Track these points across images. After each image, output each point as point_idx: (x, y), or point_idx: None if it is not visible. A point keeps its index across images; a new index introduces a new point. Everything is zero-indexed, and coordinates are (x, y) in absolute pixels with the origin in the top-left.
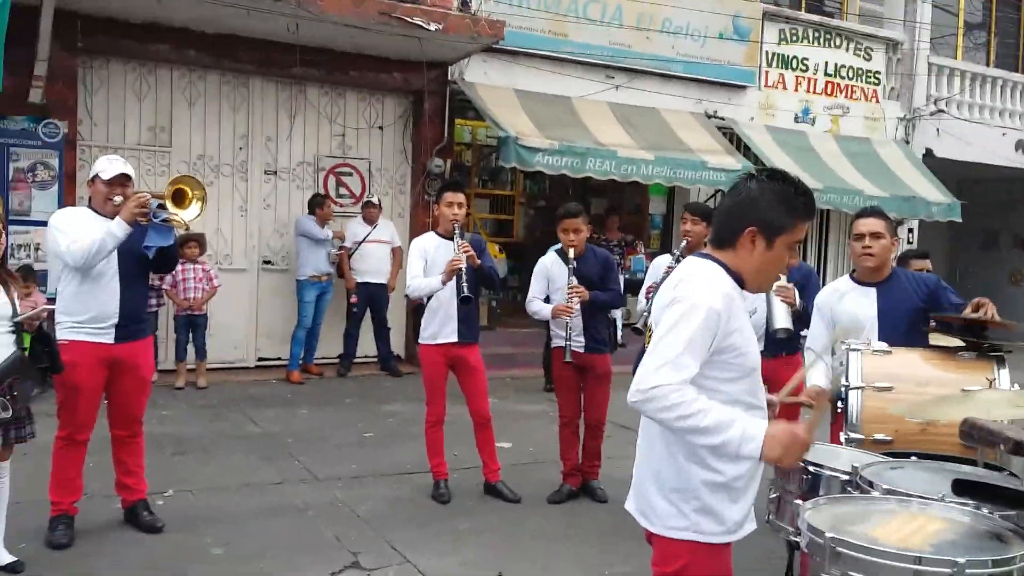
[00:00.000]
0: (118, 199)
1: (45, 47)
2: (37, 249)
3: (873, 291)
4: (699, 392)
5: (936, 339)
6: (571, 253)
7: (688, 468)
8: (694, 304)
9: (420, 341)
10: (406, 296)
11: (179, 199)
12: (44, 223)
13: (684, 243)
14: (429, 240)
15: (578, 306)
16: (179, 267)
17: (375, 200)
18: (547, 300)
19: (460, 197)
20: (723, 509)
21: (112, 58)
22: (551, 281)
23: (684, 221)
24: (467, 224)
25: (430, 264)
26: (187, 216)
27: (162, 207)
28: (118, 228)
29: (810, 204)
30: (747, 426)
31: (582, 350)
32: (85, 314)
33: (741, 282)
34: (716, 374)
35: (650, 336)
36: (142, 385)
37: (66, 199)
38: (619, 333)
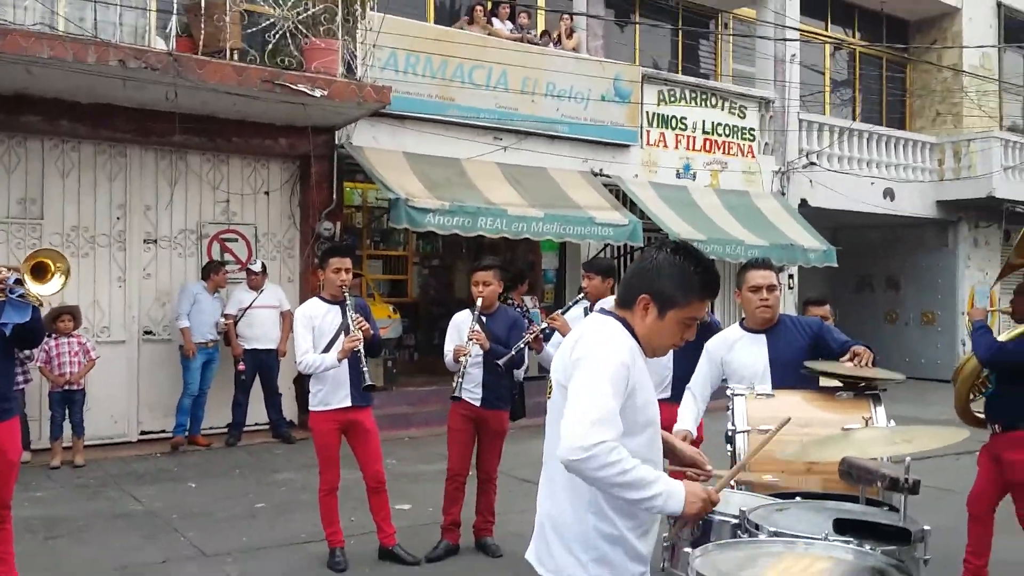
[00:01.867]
0: None
1: None
2: None
3: (763, 338)
4: None
5: (826, 381)
6: (478, 302)
7: (586, 518)
8: (606, 359)
9: (311, 408)
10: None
11: (41, 273)
12: None
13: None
14: (315, 307)
15: (479, 356)
16: (53, 342)
17: (257, 268)
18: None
19: (347, 262)
20: (620, 561)
21: None
22: (461, 334)
23: (583, 277)
24: (357, 286)
25: (318, 333)
26: (49, 290)
27: (19, 282)
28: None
29: (709, 284)
30: (668, 483)
31: (478, 404)
32: None
33: (640, 344)
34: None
35: (550, 391)
36: (9, 469)
37: None
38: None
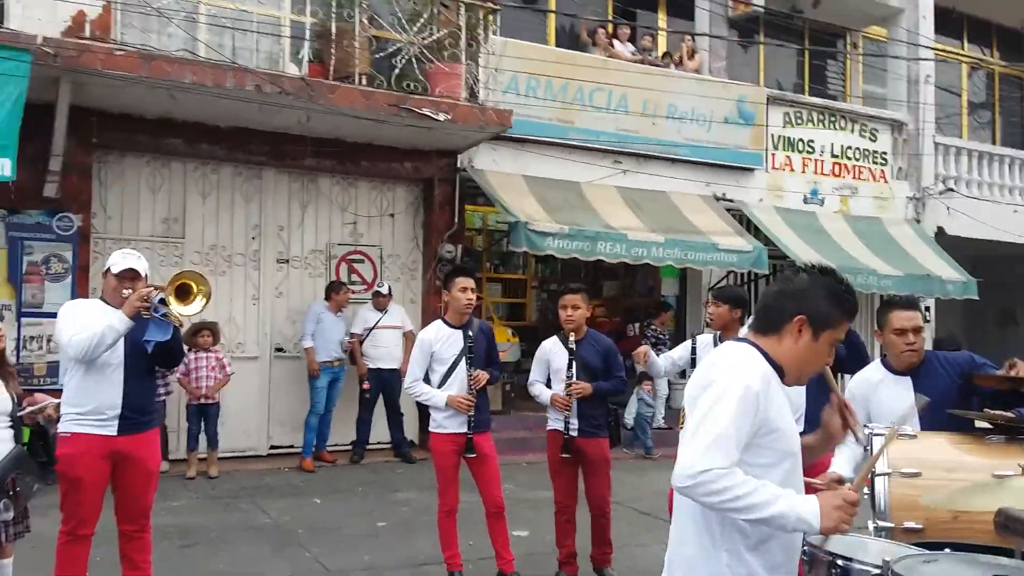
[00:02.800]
0: (126, 292)
1: (60, 142)
2: (49, 341)
3: (908, 380)
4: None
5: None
6: (571, 338)
7: (718, 555)
8: (731, 384)
9: (430, 429)
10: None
11: (184, 294)
12: (56, 315)
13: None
14: (437, 331)
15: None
16: (192, 356)
17: (384, 290)
18: (549, 383)
19: (471, 282)
20: None
21: (127, 152)
22: (551, 364)
23: (707, 304)
24: (477, 309)
25: (436, 358)
26: (189, 311)
27: (163, 302)
28: (119, 322)
29: (855, 304)
30: (795, 498)
31: (575, 434)
32: (88, 405)
33: (780, 372)
34: (753, 459)
35: (683, 421)
36: (148, 478)
37: (79, 291)
38: (622, 422)
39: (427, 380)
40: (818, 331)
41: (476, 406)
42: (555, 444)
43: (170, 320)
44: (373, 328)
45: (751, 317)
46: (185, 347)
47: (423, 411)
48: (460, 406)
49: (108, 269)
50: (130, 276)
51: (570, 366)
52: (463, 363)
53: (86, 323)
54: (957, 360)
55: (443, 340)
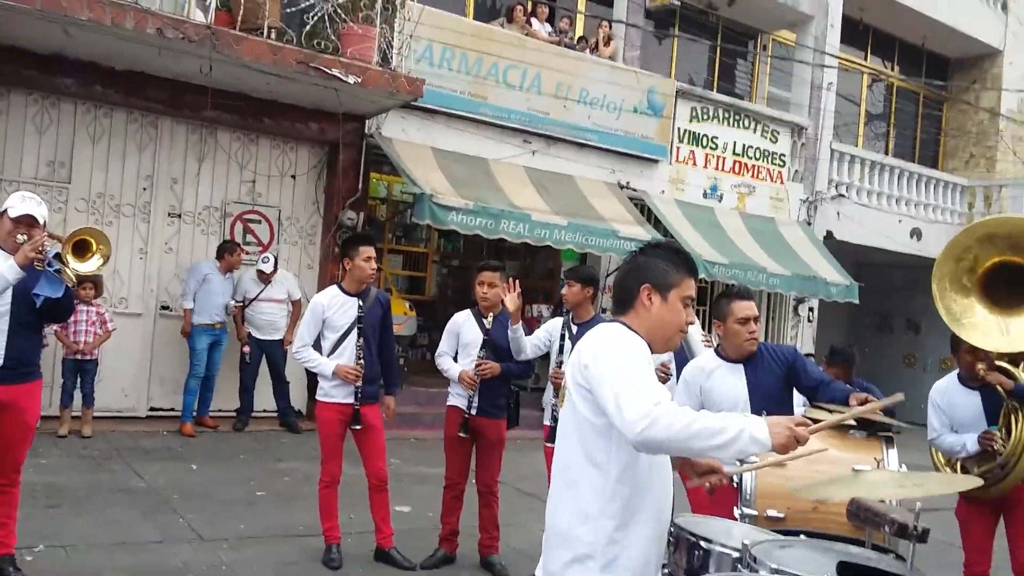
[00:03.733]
0: (21, 238)
1: None
2: None
3: (741, 368)
4: None
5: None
6: (488, 317)
7: (599, 524)
8: (626, 346)
9: (317, 398)
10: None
11: (81, 250)
12: None
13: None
14: (332, 297)
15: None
16: None
17: (267, 268)
18: (456, 357)
19: (373, 251)
20: (624, 569)
21: (12, 88)
22: (460, 337)
23: (563, 285)
24: (376, 280)
25: (328, 325)
26: (85, 268)
27: (58, 256)
28: (9, 270)
29: (691, 263)
30: (742, 420)
31: (475, 412)
32: None
33: (647, 342)
34: None
35: (562, 397)
36: (24, 431)
37: None
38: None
39: (317, 347)
40: (664, 292)
41: (366, 377)
42: (453, 421)
43: (62, 277)
44: (254, 300)
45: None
46: None
47: (311, 381)
48: (348, 376)
49: (4, 211)
50: (27, 222)
51: (483, 346)
52: (354, 332)
53: None
54: (783, 352)
55: (337, 307)
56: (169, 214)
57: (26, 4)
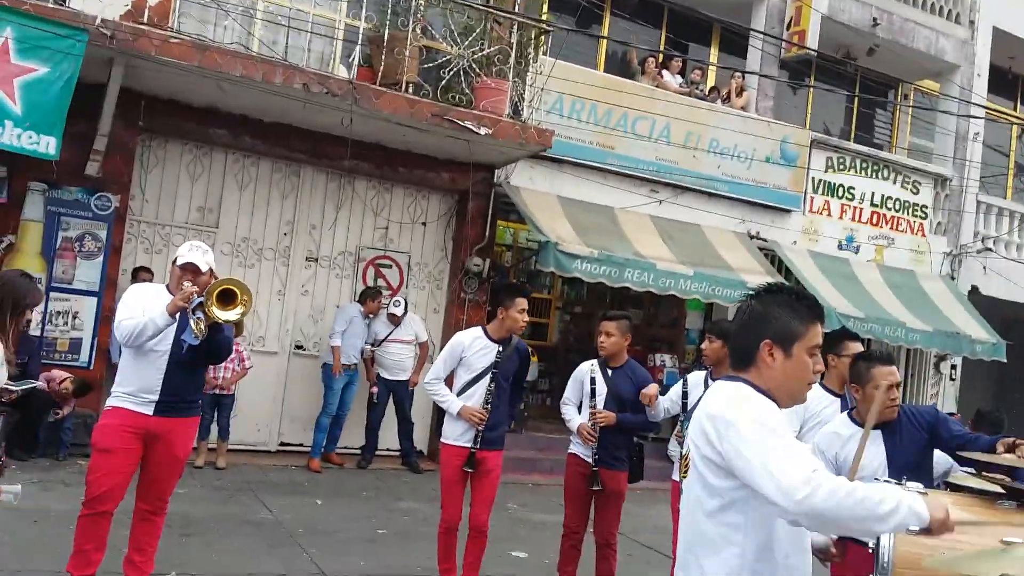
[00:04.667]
0: (187, 284)
1: (107, 123)
2: (75, 317)
3: (879, 435)
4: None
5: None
6: (591, 367)
7: None
8: (760, 410)
9: (442, 440)
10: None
11: (226, 299)
12: (84, 292)
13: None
14: (474, 339)
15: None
16: None
17: (398, 311)
18: (580, 408)
19: (526, 304)
20: None
21: (170, 138)
22: (583, 386)
23: (703, 339)
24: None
25: (465, 365)
26: (225, 316)
27: (200, 306)
28: (160, 317)
29: (815, 307)
30: (899, 491)
31: (591, 462)
32: (131, 386)
33: (772, 400)
34: None
35: (685, 468)
36: (173, 463)
37: (109, 271)
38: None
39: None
40: (788, 347)
41: (491, 424)
42: (574, 469)
43: (193, 329)
44: (384, 340)
45: (730, 356)
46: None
47: (437, 422)
48: (472, 419)
49: (176, 258)
50: (191, 270)
51: (592, 395)
52: (488, 377)
53: (137, 309)
54: (924, 414)
55: (478, 349)
56: (307, 258)
57: (187, 60)
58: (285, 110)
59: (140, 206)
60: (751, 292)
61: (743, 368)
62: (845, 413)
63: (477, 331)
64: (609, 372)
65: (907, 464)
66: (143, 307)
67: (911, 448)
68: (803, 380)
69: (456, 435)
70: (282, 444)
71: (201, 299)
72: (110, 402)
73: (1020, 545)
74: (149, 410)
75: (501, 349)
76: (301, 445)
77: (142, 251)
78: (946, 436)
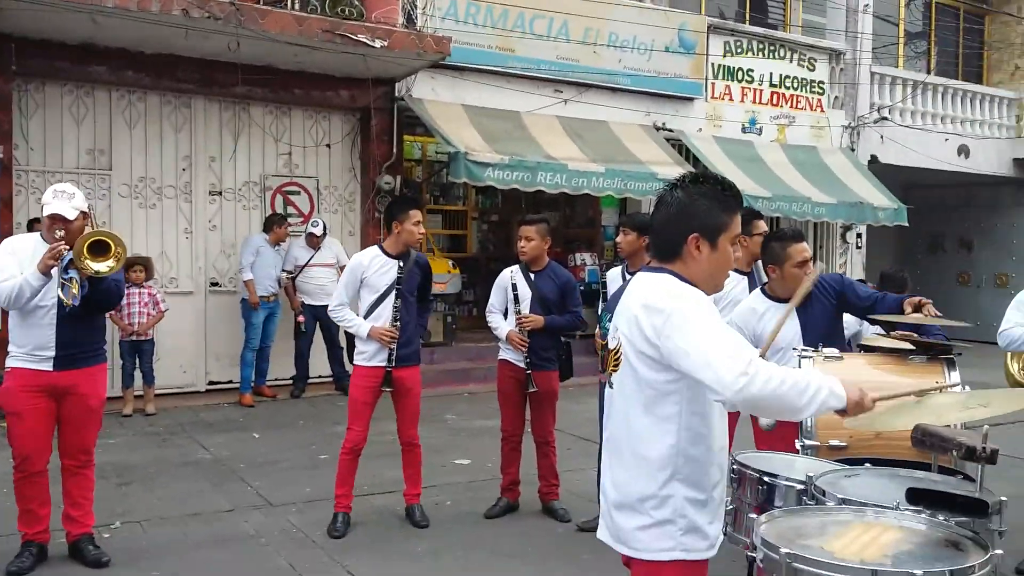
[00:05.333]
0: (59, 233)
1: None
2: None
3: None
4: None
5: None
6: (510, 273)
7: (674, 489)
8: (696, 303)
9: (355, 363)
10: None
11: (100, 251)
12: None
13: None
14: (372, 258)
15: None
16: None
17: (317, 231)
18: (507, 313)
19: (421, 215)
20: (705, 525)
21: (48, 81)
22: (508, 291)
23: (618, 233)
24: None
25: (367, 285)
26: (98, 267)
27: (71, 264)
28: (33, 277)
29: (738, 196)
30: (819, 377)
31: (524, 366)
32: (26, 345)
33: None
34: None
35: (609, 355)
36: (87, 413)
37: (2, 226)
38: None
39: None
40: (714, 240)
41: (403, 341)
42: (505, 374)
43: (70, 288)
44: (304, 266)
45: (651, 247)
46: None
47: (351, 344)
48: (383, 338)
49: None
50: (59, 219)
51: (516, 301)
52: (393, 294)
53: (12, 267)
54: (831, 282)
55: (377, 268)
56: (210, 192)
57: None
58: (167, 39)
59: (26, 155)
60: (672, 183)
61: (667, 260)
62: (758, 289)
63: (374, 250)
64: (531, 276)
65: (820, 333)
66: (19, 263)
67: (822, 317)
68: (725, 269)
69: (368, 356)
70: (210, 383)
71: (70, 255)
72: (9, 363)
73: (932, 394)
74: (48, 366)
75: (401, 264)
76: (230, 382)
77: (35, 202)
78: (854, 300)
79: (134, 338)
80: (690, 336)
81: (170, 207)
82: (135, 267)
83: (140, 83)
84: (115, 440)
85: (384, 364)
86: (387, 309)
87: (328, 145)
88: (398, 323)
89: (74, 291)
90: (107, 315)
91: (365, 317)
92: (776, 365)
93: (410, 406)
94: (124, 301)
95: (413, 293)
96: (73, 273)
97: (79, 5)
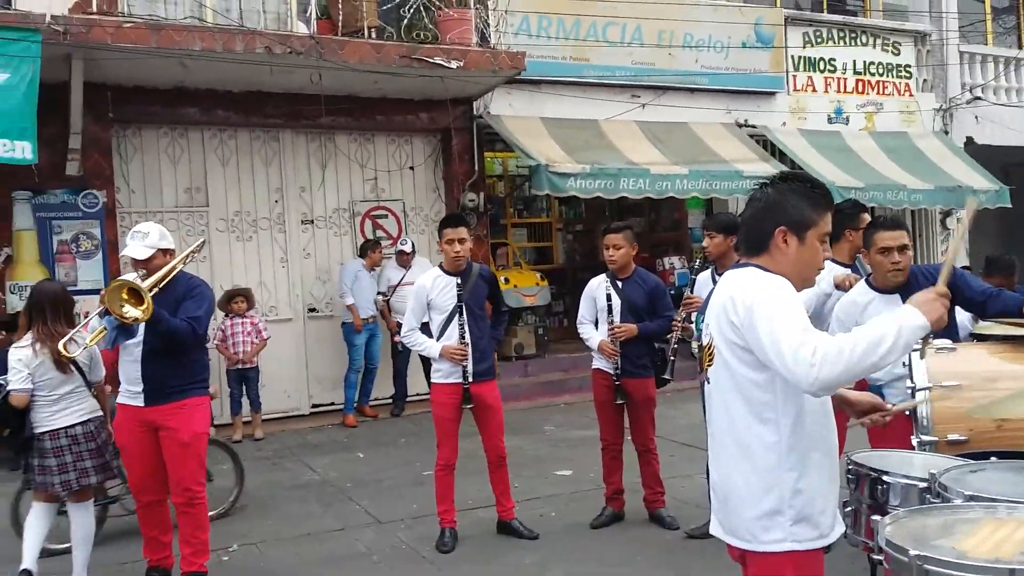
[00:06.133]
0: (141, 272)
1: (78, 120)
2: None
3: (897, 298)
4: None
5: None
6: (604, 283)
7: (780, 478)
8: (775, 293)
9: (432, 381)
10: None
11: (137, 297)
12: (91, 292)
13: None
14: (434, 280)
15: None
16: (228, 322)
17: (407, 248)
18: (597, 323)
19: (460, 232)
20: (816, 514)
21: (144, 125)
22: (596, 301)
23: (704, 236)
24: (504, 255)
25: (434, 307)
26: (132, 314)
27: (108, 312)
28: (107, 319)
29: (828, 196)
30: (892, 320)
31: (620, 374)
32: (124, 381)
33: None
34: None
35: (704, 352)
36: (179, 448)
37: (111, 267)
38: (669, 363)
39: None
40: (802, 234)
41: (477, 357)
42: (599, 383)
43: (121, 323)
44: (397, 286)
45: (740, 243)
46: (219, 312)
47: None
48: (453, 357)
49: None
50: (133, 263)
51: (609, 311)
52: (459, 313)
53: None
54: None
55: (439, 289)
56: (302, 221)
57: (144, 44)
58: (252, 77)
59: (128, 197)
60: (764, 181)
61: (756, 254)
62: (863, 280)
63: (435, 271)
64: (619, 284)
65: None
66: None
67: None
68: (814, 266)
69: (445, 375)
70: (314, 406)
71: (105, 307)
72: (118, 400)
73: None
74: (140, 401)
75: (460, 281)
76: (332, 404)
77: None
78: (968, 293)
79: (240, 367)
80: (764, 328)
81: (265, 238)
82: (237, 298)
83: (230, 121)
84: (227, 466)
85: (460, 381)
86: (455, 327)
87: (412, 167)
88: (465, 340)
89: (97, 337)
90: (215, 346)
91: (437, 338)
92: (841, 336)
93: (493, 421)
94: (229, 331)
95: (482, 307)
96: (112, 320)
97: (169, 50)
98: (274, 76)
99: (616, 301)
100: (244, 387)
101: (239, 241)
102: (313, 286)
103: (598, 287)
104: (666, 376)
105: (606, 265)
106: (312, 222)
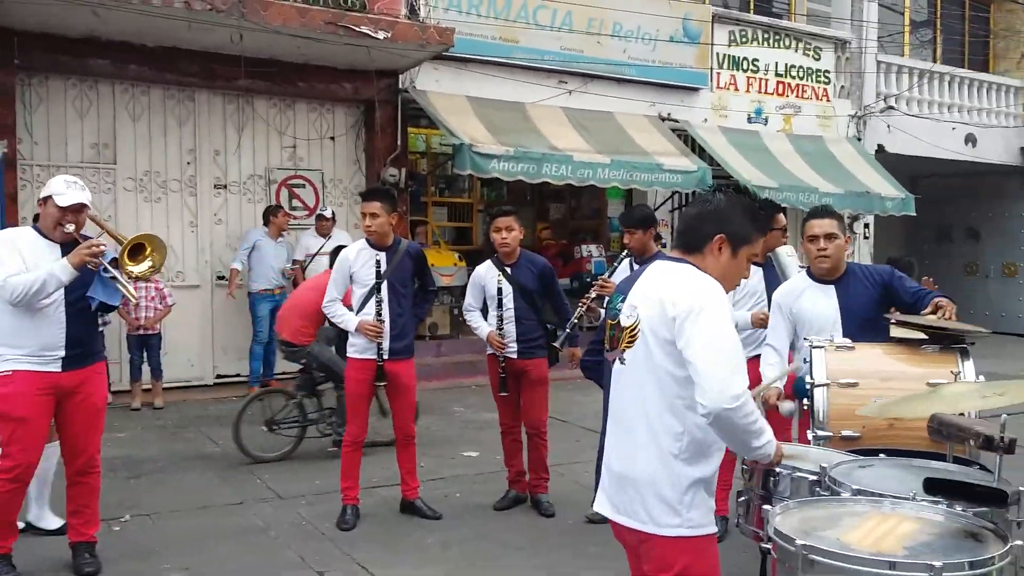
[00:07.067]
0: (70, 227)
1: None
2: None
3: (832, 289)
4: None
5: (896, 331)
6: (502, 280)
7: (682, 468)
8: (719, 305)
9: (348, 355)
10: None
11: (135, 252)
12: None
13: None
14: (358, 252)
15: (510, 309)
16: (131, 286)
17: (327, 213)
18: (485, 309)
19: (373, 206)
20: (706, 501)
21: (51, 74)
22: (486, 289)
23: (623, 234)
24: (422, 233)
25: (355, 279)
26: (135, 269)
27: (114, 262)
28: (63, 272)
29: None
30: (771, 431)
31: (515, 356)
32: (29, 345)
33: None
34: None
35: (618, 335)
36: (94, 413)
37: (8, 220)
38: (562, 342)
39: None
40: (737, 248)
41: (395, 334)
42: (495, 369)
43: (116, 285)
44: (315, 255)
45: (675, 237)
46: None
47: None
48: (367, 332)
49: (49, 197)
50: (76, 210)
51: (500, 303)
52: (375, 298)
53: (16, 263)
54: (878, 271)
55: (362, 263)
56: (215, 186)
57: None
58: (169, 32)
59: (30, 149)
60: (717, 188)
61: (689, 252)
62: (804, 270)
63: (361, 243)
64: (508, 270)
65: (860, 318)
66: (23, 259)
67: (864, 302)
68: (735, 280)
69: (359, 349)
70: (218, 377)
71: (114, 254)
72: (6, 366)
73: (945, 385)
74: (56, 367)
75: (385, 257)
76: (238, 375)
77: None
78: (901, 294)
79: (141, 332)
80: (704, 340)
81: (175, 200)
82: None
83: (143, 76)
84: (124, 434)
85: (374, 358)
86: (373, 304)
87: (332, 138)
88: (382, 317)
89: (129, 291)
90: (115, 310)
91: (356, 312)
92: (754, 406)
93: (406, 400)
94: None
95: (405, 285)
96: (114, 272)
97: None
98: (192, 32)
99: (507, 288)
100: (145, 353)
101: (147, 202)
102: (223, 253)
103: (486, 273)
104: (556, 344)
105: (534, 248)
106: (225, 187)
